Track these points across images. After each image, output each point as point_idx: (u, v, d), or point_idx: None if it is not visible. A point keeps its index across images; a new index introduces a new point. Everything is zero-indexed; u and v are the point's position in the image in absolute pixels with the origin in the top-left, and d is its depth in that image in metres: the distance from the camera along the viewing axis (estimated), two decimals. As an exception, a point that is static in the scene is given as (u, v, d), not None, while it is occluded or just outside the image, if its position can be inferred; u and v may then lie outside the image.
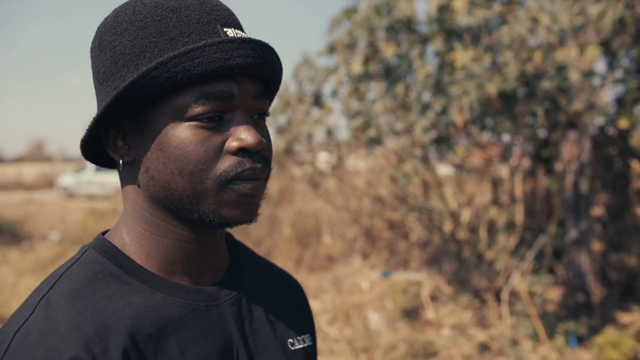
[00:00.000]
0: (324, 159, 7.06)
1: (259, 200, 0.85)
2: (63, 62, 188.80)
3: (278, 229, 7.51)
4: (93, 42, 0.86)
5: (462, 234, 4.99)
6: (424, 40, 4.89)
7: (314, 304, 5.56)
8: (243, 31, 0.86)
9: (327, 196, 7.06)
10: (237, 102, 0.81)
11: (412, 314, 4.98)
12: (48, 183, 30.58)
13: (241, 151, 0.81)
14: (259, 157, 0.82)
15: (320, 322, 5.06)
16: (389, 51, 4.88)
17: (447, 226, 4.94)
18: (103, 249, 0.86)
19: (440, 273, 5.28)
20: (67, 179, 24.39)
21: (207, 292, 0.89)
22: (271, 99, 0.91)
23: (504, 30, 4.09)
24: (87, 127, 0.82)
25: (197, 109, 0.78)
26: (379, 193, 6.05)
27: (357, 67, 5.13)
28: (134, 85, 0.77)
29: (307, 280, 6.46)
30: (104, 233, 0.91)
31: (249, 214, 0.84)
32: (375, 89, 5.41)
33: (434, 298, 5.10)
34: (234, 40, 0.78)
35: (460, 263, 5.06)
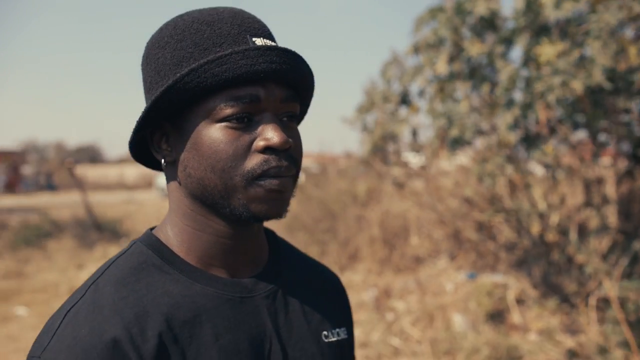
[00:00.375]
0: (411, 159, 7.01)
1: (286, 197, 0.91)
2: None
3: (365, 229, 7.51)
4: (142, 57, 0.95)
5: (551, 236, 4.82)
6: (507, 39, 4.76)
7: (399, 305, 5.53)
8: (273, 41, 0.93)
9: (414, 197, 7.01)
10: (265, 105, 0.87)
11: (497, 317, 4.85)
12: (147, 184, 32.07)
13: (268, 150, 0.87)
14: (286, 155, 0.89)
15: (404, 323, 5.03)
16: (473, 50, 4.79)
17: (535, 228, 4.78)
18: (149, 242, 0.94)
19: (528, 276, 5.11)
20: (163, 180, 25.45)
21: (243, 284, 0.95)
22: (302, 103, 0.97)
23: (592, 19, 3.91)
24: (132, 130, 0.90)
25: (227, 111, 0.85)
26: (466, 194, 5.94)
27: (441, 67, 5.06)
28: (170, 90, 0.85)
29: (393, 281, 6.42)
30: (152, 229, 0.99)
31: (276, 209, 0.90)
32: (460, 88, 5.31)
33: (520, 301, 4.94)
34: (259, 47, 0.85)
35: (549, 266, 4.88)
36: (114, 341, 0.80)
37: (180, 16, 0.92)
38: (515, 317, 4.76)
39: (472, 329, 4.69)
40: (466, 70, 5.20)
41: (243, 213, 0.88)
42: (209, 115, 0.86)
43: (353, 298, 5.92)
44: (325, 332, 1.04)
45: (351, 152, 10.66)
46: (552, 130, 4.52)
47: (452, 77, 5.26)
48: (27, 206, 20.57)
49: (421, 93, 5.93)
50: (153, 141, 0.93)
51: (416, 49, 5.64)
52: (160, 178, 26.43)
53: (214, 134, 0.86)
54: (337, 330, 1.06)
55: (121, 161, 44.39)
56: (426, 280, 6.06)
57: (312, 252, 7.88)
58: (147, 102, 0.93)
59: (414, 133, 6.25)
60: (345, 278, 6.90)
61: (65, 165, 31.26)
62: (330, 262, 7.17)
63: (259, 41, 0.89)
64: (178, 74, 0.85)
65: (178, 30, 0.90)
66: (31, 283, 8.32)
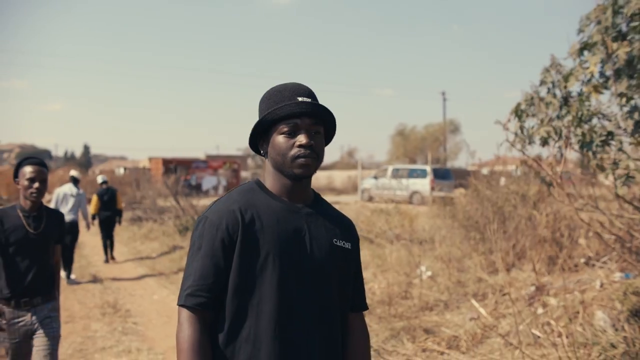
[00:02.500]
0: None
1: (310, 168, 1.78)
2: (375, 75, 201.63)
3: (534, 229, 7.64)
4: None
5: None
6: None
7: (551, 300, 5.70)
8: (312, 98, 1.82)
9: (583, 199, 7.00)
10: (301, 126, 1.75)
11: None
12: (354, 187, 33.65)
13: (300, 146, 1.75)
14: (310, 149, 1.76)
15: (550, 317, 5.22)
16: (623, 50, 4.79)
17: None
18: (256, 181, 1.89)
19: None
20: (367, 183, 26.63)
21: (295, 205, 1.84)
22: (325, 126, 1.86)
23: None
24: (249, 136, 1.88)
25: (284, 129, 1.78)
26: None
27: (594, 67, 5.13)
28: (262, 120, 1.79)
29: (555, 280, 6.53)
30: (257, 178, 1.93)
31: (304, 172, 1.78)
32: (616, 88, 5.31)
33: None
34: (299, 102, 1.75)
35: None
36: (232, 210, 1.76)
37: (273, 87, 1.86)
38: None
39: (612, 326, 4.78)
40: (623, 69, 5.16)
41: (291, 173, 1.79)
42: (276, 131, 1.78)
43: (513, 294, 6.19)
44: (335, 239, 1.88)
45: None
46: None
47: (604, 76, 5.28)
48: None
49: (581, 94, 5.97)
50: (258, 143, 1.89)
51: (581, 50, 5.64)
52: (364, 182, 27.65)
53: (278, 139, 1.78)
54: (343, 242, 1.90)
55: (330, 167, 46.84)
56: (585, 280, 6.11)
57: (481, 249, 8.17)
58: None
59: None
60: (511, 276, 7.12)
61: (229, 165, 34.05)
62: (497, 259, 7.42)
63: (300, 98, 1.79)
64: (266, 113, 1.80)
65: (269, 94, 1.85)
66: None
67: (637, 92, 5.17)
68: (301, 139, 1.73)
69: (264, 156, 1.87)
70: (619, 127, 4.75)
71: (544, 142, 5.16)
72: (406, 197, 24.00)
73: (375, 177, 26.90)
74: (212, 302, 1.71)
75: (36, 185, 3.77)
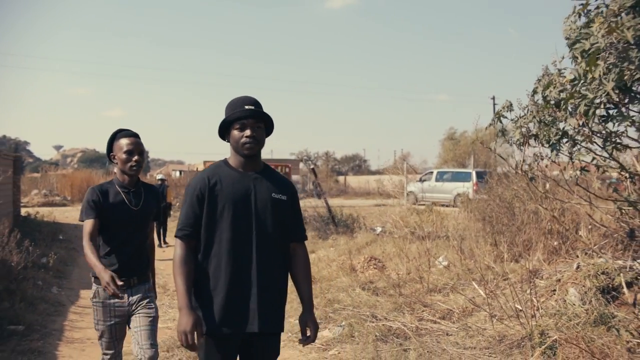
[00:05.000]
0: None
1: (254, 150, 2.78)
2: (430, 80, 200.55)
3: (540, 222, 8.33)
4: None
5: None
6: None
7: (541, 283, 6.42)
8: (255, 105, 2.80)
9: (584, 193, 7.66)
10: (247, 124, 2.73)
11: (609, 294, 5.56)
12: (401, 192, 34.30)
13: (247, 136, 2.71)
14: (252, 138, 2.75)
15: (534, 294, 5.96)
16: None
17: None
18: (224, 160, 2.86)
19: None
20: (413, 187, 27.30)
21: (247, 173, 2.82)
22: (264, 122, 2.81)
23: None
24: (217, 131, 2.87)
25: (237, 127, 2.79)
26: None
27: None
28: (223, 121, 2.79)
29: (554, 268, 7.22)
30: (226, 158, 2.90)
31: (250, 153, 2.76)
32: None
33: None
34: (245, 109, 2.74)
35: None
36: (203, 178, 2.76)
37: (232, 98, 2.84)
38: (628, 296, 5.44)
39: (581, 300, 5.51)
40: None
41: (242, 153, 2.77)
42: (233, 128, 2.76)
43: (513, 279, 6.94)
44: (274, 194, 2.80)
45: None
46: None
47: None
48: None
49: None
50: (225, 136, 2.83)
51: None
52: (410, 185, 28.30)
53: (234, 133, 2.76)
54: (280, 195, 2.83)
55: (380, 172, 47.50)
56: (570, 265, 6.80)
57: (489, 240, 8.91)
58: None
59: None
60: (519, 264, 7.83)
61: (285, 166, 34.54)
62: (505, 250, 8.15)
63: (247, 107, 2.76)
64: (226, 116, 2.77)
65: (230, 103, 2.82)
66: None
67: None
68: (247, 132, 2.72)
69: (228, 142, 2.83)
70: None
71: (521, 143, 5.91)
72: (450, 199, 24.63)
73: (421, 181, 27.59)
74: (193, 234, 2.73)
75: (135, 157, 3.61)
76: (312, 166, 18.24)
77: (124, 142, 3.57)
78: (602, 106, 4.29)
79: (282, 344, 3.06)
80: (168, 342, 5.69)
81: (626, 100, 4.32)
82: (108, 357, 3.73)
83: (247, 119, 2.72)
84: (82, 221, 3.49)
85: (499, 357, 5.06)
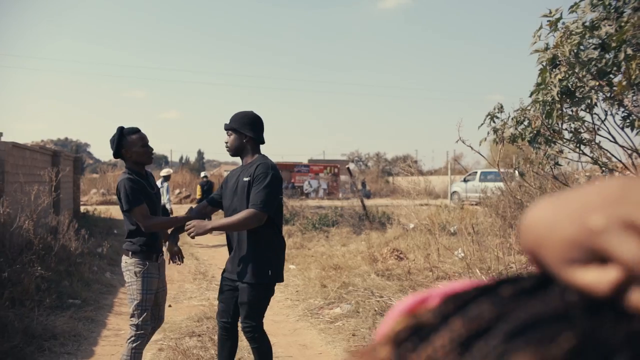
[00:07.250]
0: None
1: (229, 153, 3.96)
2: (485, 81, 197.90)
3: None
4: (242, 118, 3.94)
5: None
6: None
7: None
8: (230, 119, 3.89)
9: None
10: (228, 132, 3.76)
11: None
12: (446, 192, 34.68)
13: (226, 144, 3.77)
14: (226, 144, 3.82)
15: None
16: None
17: None
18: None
19: None
20: (457, 186, 27.74)
21: (241, 167, 3.90)
22: (233, 131, 3.85)
23: None
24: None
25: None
26: None
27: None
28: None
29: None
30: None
31: (229, 155, 3.90)
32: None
33: None
34: (225, 124, 3.82)
35: None
36: (224, 176, 3.99)
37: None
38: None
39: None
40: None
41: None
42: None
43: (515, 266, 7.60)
44: (243, 177, 3.89)
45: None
46: None
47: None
48: (335, 206, 24.71)
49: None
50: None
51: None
52: (454, 185, 28.73)
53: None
54: (245, 178, 3.87)
55: (431, 172, 47.82)
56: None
57: (503, 231, 9.56)
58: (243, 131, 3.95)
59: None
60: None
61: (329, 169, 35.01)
62: (514, 242, 8.79)
63: (226, 122, 3.98)
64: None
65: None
66: (307, 252, 11.50)
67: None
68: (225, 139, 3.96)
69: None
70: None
71: (513, 140, 6.59)
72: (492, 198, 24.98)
73: (465, 181, 28.00)
74: (216, 203, 4.12)
75: (150, 148, 4.05)
76: (347, 166, 18.95)
77: (137, 137, 3.97)
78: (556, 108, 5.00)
79: (295, 318, 4.63)
80: (199, 314, 6.65)
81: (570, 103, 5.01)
82: (149, 329, 4.10)
83: (227, 131, 3.94)
84: (130, 209, 3.85)
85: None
